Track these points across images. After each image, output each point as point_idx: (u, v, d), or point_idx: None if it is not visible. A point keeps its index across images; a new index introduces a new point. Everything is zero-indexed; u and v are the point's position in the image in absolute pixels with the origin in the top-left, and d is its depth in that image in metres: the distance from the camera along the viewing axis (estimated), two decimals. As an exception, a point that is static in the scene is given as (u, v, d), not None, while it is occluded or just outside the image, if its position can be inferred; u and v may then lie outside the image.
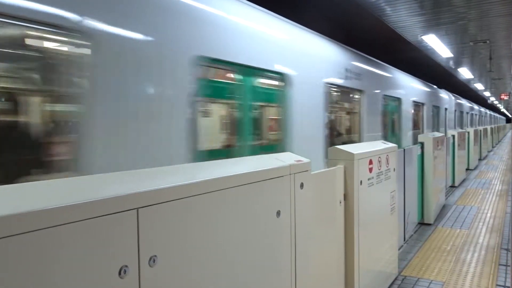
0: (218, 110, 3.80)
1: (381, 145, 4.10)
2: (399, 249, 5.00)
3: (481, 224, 6.64)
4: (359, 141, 6.63)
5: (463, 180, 11.53)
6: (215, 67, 3.42)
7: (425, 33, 9.10)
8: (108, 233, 1.21)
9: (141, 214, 1.31)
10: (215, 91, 3.50)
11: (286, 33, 4.51)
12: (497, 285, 4.19)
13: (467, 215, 7.30)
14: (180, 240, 1.48)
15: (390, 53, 12.13)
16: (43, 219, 1.05)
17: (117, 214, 1.23)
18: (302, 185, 2.33)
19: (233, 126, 3.73)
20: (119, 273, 1.24)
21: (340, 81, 5.72)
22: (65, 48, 2.49)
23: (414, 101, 10.32)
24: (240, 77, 3.70)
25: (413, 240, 5.83)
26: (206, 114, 3.41)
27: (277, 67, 4.12)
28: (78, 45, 2.41)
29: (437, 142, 7.20)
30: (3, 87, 2.34)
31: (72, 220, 1.11)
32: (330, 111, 5.52)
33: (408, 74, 10.50)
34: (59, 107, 2.47)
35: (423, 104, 11.51)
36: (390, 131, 8.78)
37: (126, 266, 1.26)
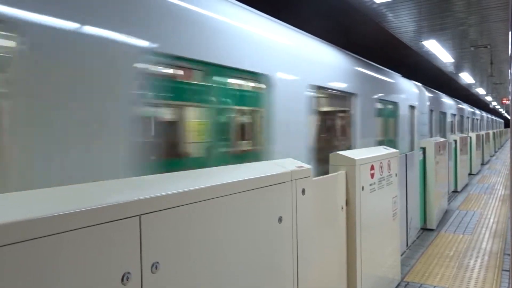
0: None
1: (382, 150, 4.10)
2: (401, 255, 4.98)
3: (484, 229, 6.62)
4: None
5: (466, 185, 11.49)
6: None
7: (426, 38, 9.13)
8: (111, 240, 1.22)
9: (144, 220, 1.32)
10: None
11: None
12: (500, 290, 4.17)
13: (470, 220, 7.27)
14: (182, 246, 1.48)
15: (391, 58, 12.15)
16: (46, 226, 1.06)
17: (119, 221, 1.24)
18: (303, 191, 2.33)
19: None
20: (122, 280, 1.25)
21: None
22: None
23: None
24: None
25: (415, 246, 5.80)
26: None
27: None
28: None
29: (439, 147, 7.19)
30: None
31: (75, 227, 1.12)
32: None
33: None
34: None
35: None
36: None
37: (129, 272, 1.27)
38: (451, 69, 14.00)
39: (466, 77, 16.17)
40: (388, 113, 6.46)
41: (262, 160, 2.84)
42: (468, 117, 17.09)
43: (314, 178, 2.51)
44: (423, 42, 9.42)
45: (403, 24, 7.93)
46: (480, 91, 22.34)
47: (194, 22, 2.46)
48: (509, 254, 5.25)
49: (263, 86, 3.04)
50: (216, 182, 1.70)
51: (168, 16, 2.28)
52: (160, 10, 2.23)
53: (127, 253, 1.27)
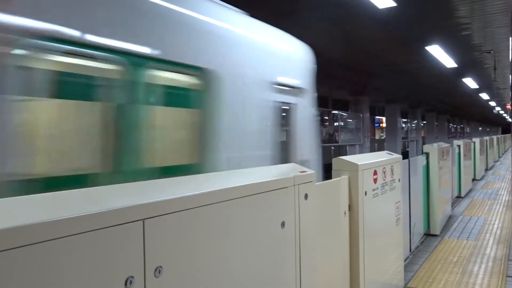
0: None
1: (385, 155, 4.10)
2: (405, 261, 4.96)
3: (488, 235, 6.58)
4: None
5: (470, 191, 11.44)
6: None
7: (429, 43, 9.14)
8: (114, 244, 1.22)
9: (147, 225, 1.33)
10: None
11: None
12: (505, 297, 4.14)
13: (474, 226, 7.23)
14: (185, 251, 1.49)
15: (394, 63, 12.14)
16: (50, 230, 1.06)
17: (123, 225, 1.25)
18: (306, 196, 2.33)
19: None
20: (125, 284, 1.25)
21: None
22: None
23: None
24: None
25: (419, 251, 5.78)
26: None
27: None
28: None
29: (443, 152, 7.18)
30: None
31: (78, 231, 1.13)
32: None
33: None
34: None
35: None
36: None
37: (132, 277, 1.27)
38: (455, 74, 13.99)
39: (469, 82, 16.15)
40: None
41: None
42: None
43: (317, 183, 2.51)
44: (426, 48, 9.43)
45: (406, 29, 7.95)
46: (484, 96, 22.31)
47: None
48: (513, 260, 5.22)
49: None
50: (219, 187, 1.71)
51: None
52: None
53: (130, 257, 1.27)
